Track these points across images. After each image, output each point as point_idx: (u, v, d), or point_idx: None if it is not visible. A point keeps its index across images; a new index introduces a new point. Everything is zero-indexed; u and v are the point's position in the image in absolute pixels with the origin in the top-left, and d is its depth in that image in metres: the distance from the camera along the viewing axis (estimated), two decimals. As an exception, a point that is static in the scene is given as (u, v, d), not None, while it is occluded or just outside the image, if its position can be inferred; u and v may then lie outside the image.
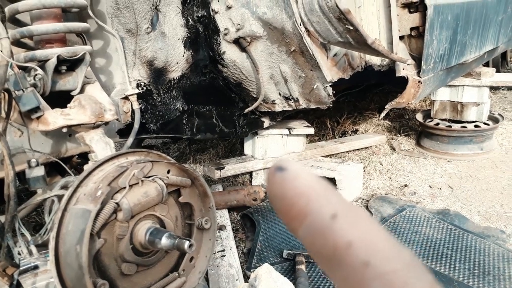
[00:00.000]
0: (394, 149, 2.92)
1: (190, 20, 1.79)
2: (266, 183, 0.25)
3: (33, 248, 1.20)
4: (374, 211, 2.08)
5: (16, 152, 1.28)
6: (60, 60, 1.24)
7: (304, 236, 0.22)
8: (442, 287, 0.21)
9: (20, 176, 1.31)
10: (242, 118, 2.11)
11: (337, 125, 3.31)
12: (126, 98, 1.57)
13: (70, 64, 1.31)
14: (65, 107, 1.27)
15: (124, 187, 1.09)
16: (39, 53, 1.22)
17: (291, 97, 1.90)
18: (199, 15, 1.78)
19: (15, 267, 1.17)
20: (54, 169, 1.46)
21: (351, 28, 1.43)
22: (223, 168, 2.28)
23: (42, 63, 1.23)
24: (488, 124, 2.77)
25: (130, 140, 1.44)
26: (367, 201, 2.21)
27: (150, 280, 1.21)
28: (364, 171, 2.51)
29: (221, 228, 1.92)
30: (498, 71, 3.82)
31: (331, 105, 1.86)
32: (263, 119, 2.17)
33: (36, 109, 1.16)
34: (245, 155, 2.47)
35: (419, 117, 3.00)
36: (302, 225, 0.22)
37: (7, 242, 1.16)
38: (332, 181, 2.20)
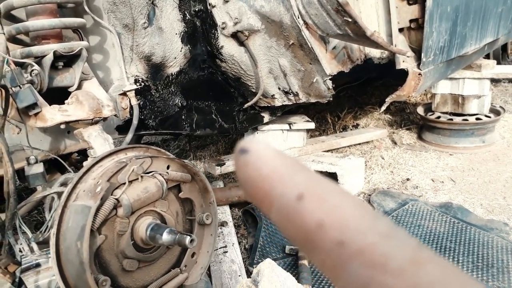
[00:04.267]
0: (395, 143, 2.91)
1: (187, 14, 1.77)
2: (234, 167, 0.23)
3: (34, 246, 1.19)
4: (376, 206, 2.07)
5: (14, 149, 1.27)
6: (57, 56, 1.23)
7: (276, 221, 0.21)
8: (427, 249, 0.19)
9: (20, 173, 1.31)
10: (242, 113, 2.10)
11: (338, 120, 3.29)
12: (124, 94, 1.56)
13: (67, 60, 1.30)
14: (63, 103, 1.26)
15: (124, 183, 1.08)
16: (36, 49, 1.21)
17: (290, 91, 1.89)
18: (196, 9, 1.77)
19: (16, 265, 1.16)
20: (53, 166, 1.45)
21: (350, 20, 1.42)
22: (224, 164, 2.27)
23: (39, 59, 1.22)
24: (489, 117, 2.75)
25: (129, 136, 1.44)
26: (369, 195, 2.20)
27: (152, 276, 1.21)
28: (366, 165, 2.49)
29: (223, 224, 1.91)
30: (499, 63, 3.81)
31: (331, 99, 1.85)
32: (263, 114, 2.16)
33: (34, 105, 1.15)
34: (246, 151, 2.45)
35: (420, 110, 2.99)
36: (271, 210, 0.21)
37: (8, 239, 1.15)
38: (334, 176, 2.19)
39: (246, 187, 0.22)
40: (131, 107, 1.58)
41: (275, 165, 0.21)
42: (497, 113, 2.82)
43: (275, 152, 0.22)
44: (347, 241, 0.18)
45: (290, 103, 1.97)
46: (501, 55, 4.48)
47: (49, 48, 1.21)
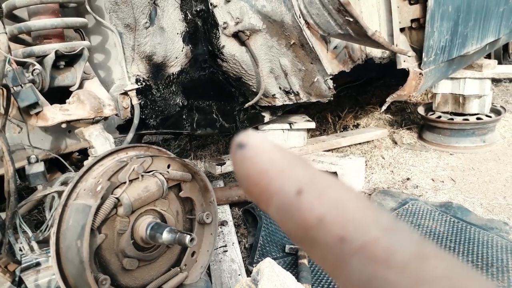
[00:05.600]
0: (396, 143, 2.91)
1: (188, 14, 1.78)
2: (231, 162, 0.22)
3: (34, 245, 1.20)
4: (377, 205, 2.08)
5: (15, 148, 1.28)
6: (58, 56, 1.23)
7: (275, 217, 0.20)
8: (430, 244, 0.18)
9: (20, 172, 1.31)
10: (243, 113, 2.10)
11: (339, 119, 3.29)
12: (125, 93, 1.56)
13: (68, 60, 1.31)
14: (64, 102, 1.26)
15: (124, 182, 1.08)
16: (37, 48, 1.21)
17: (291, 91, 1.89)
18: (198, 9, 1.77)
19: (16, 264, 1.17)
20: (54, 165, 1.46)
21: (351, 20, 1.42)
22: (224, 163, 2.28)
23: (40, 58, 1.23)
24: (490, 117, 2.75)
25: (130, 135, 1.44)
26: (369, 195, 2.20)
27: (152, 275, 1.21)
28: (366, 165, 2.49)
29: (223, 223, 1.92)
30: (500, 63, 3.80)
31: (332, 99, 1.85)
32: (263, 113, 2.17)
33: (35, 104, 1.16)
34: (246, 150, 2.46)
35: (420, 110, 2.98)
36: (269, 206, 0.20)
37: (8, 238, 1.15)
38: (334, 175, 2.19)
39: (243, 183, 0.21)
40: (132, 106, 1.58)
41: (273, 159, 0.20)
42: (498, 113, 2.82)
43: (273, 146, 0.21)
44: (348, 237, 0.18)
45: (291, 102, 1.97)
46: (502, 54, 4.47)
47: (50, 48, 1.22)
